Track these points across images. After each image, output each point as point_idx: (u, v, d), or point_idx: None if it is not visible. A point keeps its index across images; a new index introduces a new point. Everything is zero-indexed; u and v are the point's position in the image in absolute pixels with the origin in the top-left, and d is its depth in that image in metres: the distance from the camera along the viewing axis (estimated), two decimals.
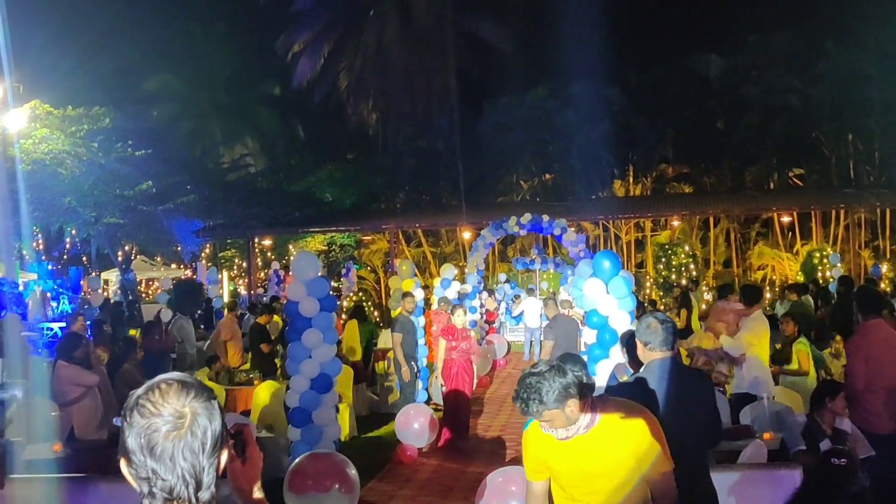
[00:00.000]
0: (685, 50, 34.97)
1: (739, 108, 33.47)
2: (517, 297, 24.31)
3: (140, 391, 1.76)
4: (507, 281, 26.59)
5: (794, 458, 6.30)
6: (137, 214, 22.99)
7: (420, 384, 13.16)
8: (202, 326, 19.36)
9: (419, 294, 14.30)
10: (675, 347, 4.58)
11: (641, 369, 4.58)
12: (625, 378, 5.85)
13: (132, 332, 16.11)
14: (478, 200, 32.37)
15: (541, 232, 20.34)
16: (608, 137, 31.60)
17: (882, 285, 22.62)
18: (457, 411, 10.86)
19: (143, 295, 32.30)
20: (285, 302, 11.05)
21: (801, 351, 9.61)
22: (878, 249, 32.40)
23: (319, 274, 8.94)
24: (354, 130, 39.51)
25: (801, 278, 25.57)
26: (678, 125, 34.50)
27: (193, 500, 1.72)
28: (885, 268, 27.22)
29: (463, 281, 18.34)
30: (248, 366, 13.47)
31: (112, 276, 30.70)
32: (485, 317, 20.64)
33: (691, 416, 4.41)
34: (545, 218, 18.49)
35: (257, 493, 2.02)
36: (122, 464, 1.75)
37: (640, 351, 4.55)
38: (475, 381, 11.47)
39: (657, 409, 4.14)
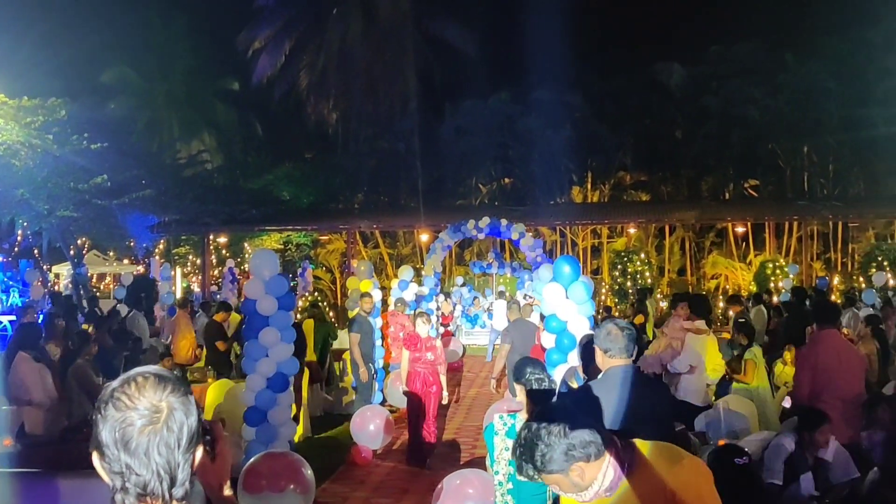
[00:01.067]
0: (647, 59, 35.32)
1: (699, 118, 33.82)
2: (476, 299, 24.39)
3: (115, 384, 1.72)
4: (464, 284, 26.62)
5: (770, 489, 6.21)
6: (91, 208, 22.60)
7: (376, 385, 13.12)
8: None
9: (377, 295, 14.28)
10: (635, 355, 4.57)
11: (600, 376, 4.50)
12: (575, 384, 5.84)
13: (85, 326, 15.88)
14: (436, 203, 32.32)
15: (499, 236, 20.41)
16: (568, 144, 31.73)
17: (833, 297, 22.95)
18: (417, 426, 10.16)
19: (94, 290, 31.86)
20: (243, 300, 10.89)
21: (748, 360, 9.72)
22: (830, 261, 32.94)
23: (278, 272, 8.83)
24: (314, 129, 39.15)
25: (753, 288, 25.89)
26: (638, 133, 34.82)
27: (167, 496, 1.68)
28: (836, 280, 27.66)
29: (420, 283, 18.32)
30: (202, 363, 13.34)
31: (63, 269, 30.25)
32: (440, 319, 20.65)
33: (647, 425, 4.39)
34: (503, 222, 18.54)
35: (227, 491, 1.99)
36: (95, 457, 1.71)
37: (600, 358, 4.45)
38: (445, 393, 10.43)
39: (613, 416, 4.13)
